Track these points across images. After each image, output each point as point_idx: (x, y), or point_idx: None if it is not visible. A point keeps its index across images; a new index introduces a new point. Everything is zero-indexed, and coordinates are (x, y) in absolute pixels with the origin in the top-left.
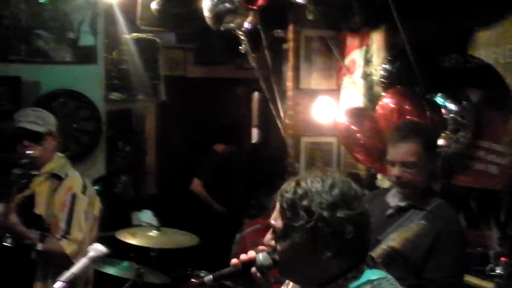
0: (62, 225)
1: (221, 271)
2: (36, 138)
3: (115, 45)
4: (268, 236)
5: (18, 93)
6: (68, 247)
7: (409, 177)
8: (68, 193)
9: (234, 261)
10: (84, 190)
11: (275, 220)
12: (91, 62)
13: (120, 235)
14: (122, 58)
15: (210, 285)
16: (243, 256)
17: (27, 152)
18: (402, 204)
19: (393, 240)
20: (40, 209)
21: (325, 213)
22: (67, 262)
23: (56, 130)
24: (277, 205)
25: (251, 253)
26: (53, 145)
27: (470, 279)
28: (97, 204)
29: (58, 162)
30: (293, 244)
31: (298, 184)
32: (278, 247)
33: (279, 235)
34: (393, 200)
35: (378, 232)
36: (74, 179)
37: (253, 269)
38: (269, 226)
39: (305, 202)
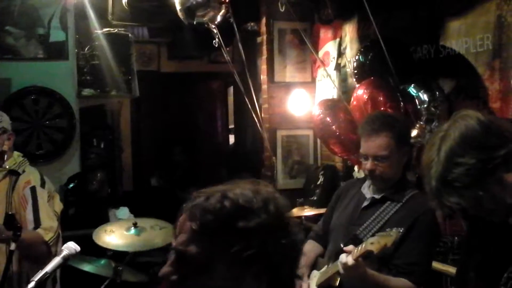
0: (30, 217)
1: None
2: None
3: (86, 40)
4: (167, 268)
5: None
6: (46, 235)
7: (381, 170)
8: (26, 187)
9: None
10: (42, 184)
11: (184, 245)
12: (62, 58)
13: (96, 237)
14: (94, 54)
15: None
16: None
17: None
18: (378, 196)
19: (371, 244)
20: (0, 207)
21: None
22: (48, 251)
23: (10, 128)
24: (186, 224)
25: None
26: (10, 143)
27: (447, 268)
28: (58, 202)
29: (16, 159)
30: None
31: (224, 196)
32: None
33: (192, 267)
34: (368, 192)
35: (354, 224)
36: (32, 174)
37: None
38: None
39: (241, 224)
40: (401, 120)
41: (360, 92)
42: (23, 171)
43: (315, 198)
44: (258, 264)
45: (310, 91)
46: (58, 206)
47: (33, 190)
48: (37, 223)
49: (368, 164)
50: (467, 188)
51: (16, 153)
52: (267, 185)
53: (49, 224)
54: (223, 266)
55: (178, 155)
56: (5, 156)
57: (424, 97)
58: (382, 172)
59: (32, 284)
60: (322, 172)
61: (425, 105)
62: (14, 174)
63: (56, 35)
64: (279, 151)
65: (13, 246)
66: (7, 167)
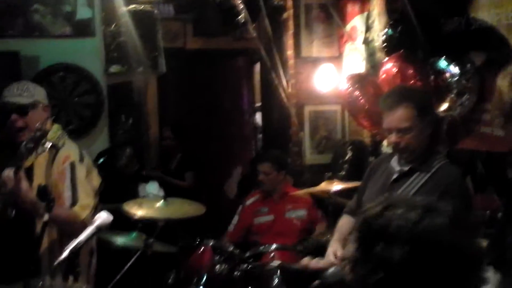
0: (68, 194)
1: (290, 265)
2: (23, 110)
3: (112, 17)
4: (345, 253)
5: (17, 68)
6: (81, 213)
7: (406, 142)
8: (66, 162)
9: (304, 261)
10: (81, 159)
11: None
12: (89, 35)
13: (127, 207)
14: (120, 31)
15: (271, 269)
16: (314, 262)
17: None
18: (405, 168)
19: None
20: (39, 181)
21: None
22: (82, 228)
23: (46, 100)
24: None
25: (325, 263)
26: (44, 116)
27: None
28: (96, 176)
29: (55, 133)
30: (352, 279)
31: (381, 213)
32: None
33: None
34: (397, 165)
35: None
36: (71, 148)
37: (317, 281)
38: (265, 195)
39: (379, 248)
40: (421, 91)
41: (389, 66)
42: (63, 145)
43: (343, 173)
44: None
45: (337, 66)
46: (97, 180)
47: (72, 165)
48: (74, 200)
49: (392, 137)
50: None
51: (55, 125)
52: None
53: (86, 201)
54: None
55: (168, 139)
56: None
57: (455, 70)
58: (407, 144)
59: (66, 253)
60: (350, 147)
61: (456, 78)
62: (53, 147)
63: (83, 12)
64: (306, 126)
65: (46, 217)
66: (48, 138)
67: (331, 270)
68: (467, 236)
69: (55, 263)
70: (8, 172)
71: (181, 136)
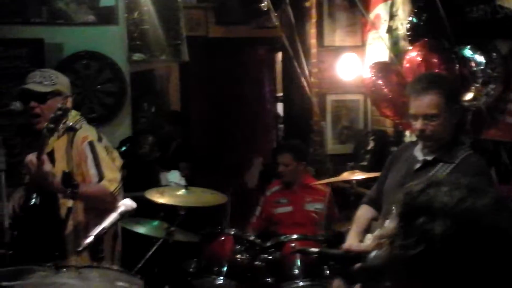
0: (93, 172)
1: (329, 251)
2: (42, 98)
3: (135, 5)
4: (382, 232)
5: (41, 55)
6: (110, 186)
7: (432, 129)
8: (84, 142)
9: (346, 245)
10: (99, 139)
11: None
12: (112, 23)
13: (149, 195)
14: (143, 19)
15: (312, 255)
16: (356, 245)
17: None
18: (429, 158)
19: None
20: (60, 164)
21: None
22: (114, 201)
23: (68, 90)
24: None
25: (368, 246)
26: (66, 105)
27: None
28: (117, 158)
29: (73, 118)
30: (391, 258)
31: (425, 190)
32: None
33: (388, 239)
34: (420, 154)
35: None
36: (89, 130)
37: (358, 264)
38: (285, 186)
39: (421, 221)
40: (450, 78)
41: (413, 54)
42: (80, 127)
43: (365, 163)
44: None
45: (360, 55)
46: (118, 161)
47: (91, 144)
48: (101, 175)
49: (418, 124)
50: None
51: (74, 111)
52: None
53: (112, 175)
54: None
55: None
56: (68, 114)
57: (480, 59)
58: (433, 132)
59: (91, 238)
60: (372, 137)
61: (482, 67)
62: (72, 130)
63: (106, 0)
64: (328, 116)
65: (70, 203)
66: (70, 124)
67: (373, 253)
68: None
69: (80, 248)
70: (31, 157)
71: (178, 125)
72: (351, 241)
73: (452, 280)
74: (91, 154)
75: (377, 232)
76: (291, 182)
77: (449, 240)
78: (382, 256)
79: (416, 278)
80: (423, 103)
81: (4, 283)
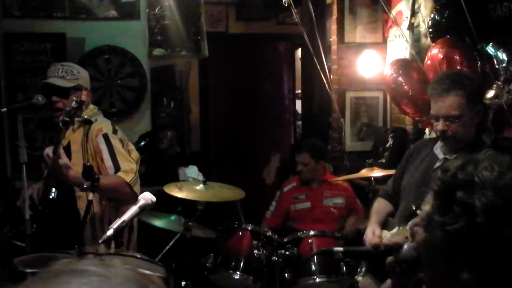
0: (109, 163)
1: (355, 248)
2: (64, 93)
3: (156, 1)
4: (415, 219)
5: (63, 50)
6: (126, 176)
7: (454, 130)
8: (99, 134)
9: (373, 240)
10: (114, 131)
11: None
12: (134, 18)
13: (168, 189)
14: (164, 14)
15: (337, 256)
16: (386, 240)
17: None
18: (450, 157)
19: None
20: (76, 157)
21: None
22: (131, 191)
23: (88, 84)
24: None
25: (397, 239)
26: (85, 99)
27: None
28: (134, 151)
29: (91, 111)
30: (429, 242)
31: (463, 166)
32: (418, 237)
33: (423, 224)
34: (441, 152)
35: (426, 186)
36: (103, 122)
37: (390, 258)
38: (303, 183)
39: (460, 195)
40: (472, 78)
41: (435, 51)
42: (95, 120)
43: (383, 161)
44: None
45: (381, 52)
46: (135, 154)
47: (105, 137)
48: (117, 167)
49: (439, 125)
50: None
51: (91, 105)
52: None
53: (128, 166)
54: (437, 232)
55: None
56: (83, 107)
57: (503, 56)
58: (455, 133)
59: (111, 231)
60: (391, 135)
61: (504, 65)
62: (87, 123)
63: None
64: (347, 113)
65: (91, 196)
66: (85, 116)
67: (406, 245)
68: None
69: (100, 241)
70: (48, 150)
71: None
72: (374, 234)
73: (497, 263)
74: (106, 146)
75: (409, 223)
76: (310, 180)
77: (492, 214)
78: (417, 246)
79: (456, 264)
80: (445, 104)
81: (28, 270)
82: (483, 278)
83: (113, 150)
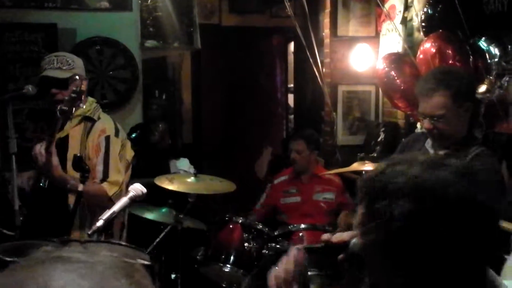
0: (100, 168)
1: (312, 245)
2: (63, 84)
3: None
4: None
5: (55, 40)
6: (110, 189)
7: (439, 129)
8: (101, 135)
9: (325, 236)
10: (117, 133)
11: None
12: (126, 9)
13: (159, 181)
14: (157, 5)
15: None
16: (336, 236)
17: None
18: (441, 153)
19: None
20: (73, 151)
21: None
22: (109, 204)
23: (84, 72)
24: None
25: (348, 234)
26: (84, 88)
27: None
28: (129, 149)
29: (90, 105)
30: (363, 245)
31: (381, 172)
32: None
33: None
34: (431, 148)
35: None
36: (107, 122)
37: (341, 256)
38: (294, 176)
39: (378, 205)
40: (461, 76)
41: (428, 46)
42: (98, 118)
43: (375, 154)
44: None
45: (373, 46)
46: (130, 153)
47: (107, 140)
48: (105, 175)
49: (425, 124)
50: None
51: (90, 98)
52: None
53: (116, 178)
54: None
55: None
56: (82, 97)
57: (495, 51)
58: (441, 130)
59: (101, 222)
60: (383, 129)
61: (496, 60)
62: (88, 120)
63: None
64: (339, 107)
65: (81, 187)
66: (84, 109)
67: (352, 242)
68: (483, 191)
69: (90, 232)
70: (40, 147)
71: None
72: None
73: (427, 261)
74: (104, 150)
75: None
76: (302, 171)
77: (412, 219)
78: (359, 243)
79: (391, 264)
80: (430, 104)
81: (9, 258)
82: (414, 282)
83: (108, 156)
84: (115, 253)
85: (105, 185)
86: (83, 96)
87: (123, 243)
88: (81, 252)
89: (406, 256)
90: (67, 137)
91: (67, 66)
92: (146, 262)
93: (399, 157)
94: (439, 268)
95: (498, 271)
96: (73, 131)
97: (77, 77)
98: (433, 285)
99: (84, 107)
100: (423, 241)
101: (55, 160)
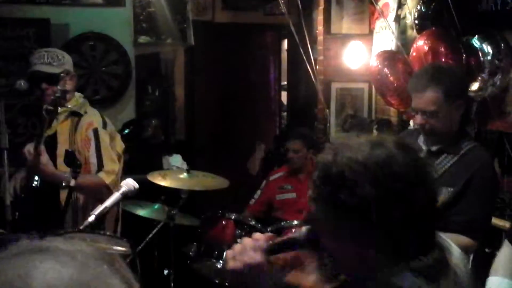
0: (93, 161)
1: (278, 239)
2: (53, 79)
3: None
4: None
5: (47, 36)
6: (107, 178)
7: (431, 125)
8: (89, 128)
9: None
10: (104, 125)
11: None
12: (119, 4)
13: (151, 177)
14: (150, 1)
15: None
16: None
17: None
18: (433, 149)
19: None
20: (62, 148)
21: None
22: (107, 193)
23: (72, 69)
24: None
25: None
26: (72, 84)
27: (504, 223)
28: (119, 141)
29: (77, 101)
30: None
31: (333, 161)
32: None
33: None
34: (424, 144)
35: None
36: (93, 115)
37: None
38: (291, 172)
39: (341, 195)
40: (454, 73)
41: (421, 43)
42: (85, 112)
43: None
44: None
45: (367, 43)
46: (120, 146)
47: (95, 132)
48: (100, 165)
49: (417, 119)
50: None
51: (77, 94)
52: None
53: (111, 167)
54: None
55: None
56: (67, 96)
57: (488, 49)
58: (433, 127)
59: (93, 217)
60: (376, 126)
61: (489, 58)
62: (76, 115)
63: None
64: (332, 104)
65: (73, 182)
66: (70, 106)
67: (302, 230)
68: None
69: (82, 226)
70: (29, 147)
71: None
72: None
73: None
74: (94, 142)
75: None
76: (299, 169)
77: (375, 204)
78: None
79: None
80: (422, 100)
81: None
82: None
83: (99, 147)
84: (94, 242)
85: (101, 174)
86: (69, 94)
87: (102, 232)
88: (61, 242)
89: (361, 228)
90: (55, 134)
91: (57, 61)
92: (125, 250)
93: (343, 143)
94: (390, 233)
95: (488, 267)
96: (61, 127)
97: (67, 73)
98: (384, 249)
99: (71, 102)
100: (389, 222)
101: (45, 158)
